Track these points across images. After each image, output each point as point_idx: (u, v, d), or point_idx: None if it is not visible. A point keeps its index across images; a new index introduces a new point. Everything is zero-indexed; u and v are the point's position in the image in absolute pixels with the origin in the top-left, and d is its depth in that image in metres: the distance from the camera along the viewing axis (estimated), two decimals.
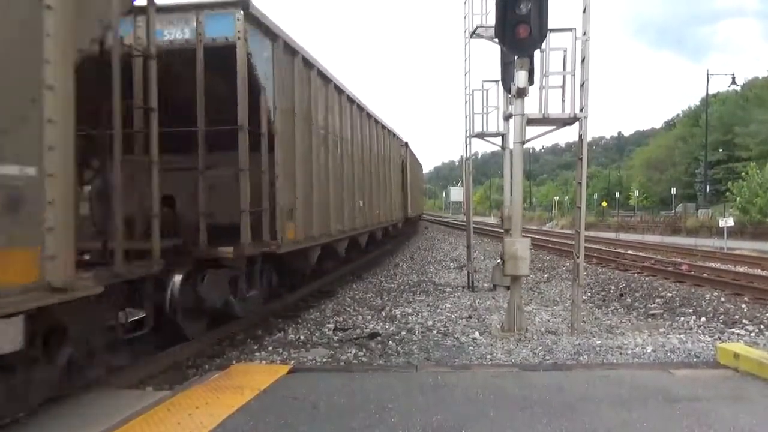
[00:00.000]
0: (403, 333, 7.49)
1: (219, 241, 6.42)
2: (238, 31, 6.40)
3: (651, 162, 74.10)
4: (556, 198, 73.05)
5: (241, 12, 6.43)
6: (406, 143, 22.10)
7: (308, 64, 8.62)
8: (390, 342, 6.99)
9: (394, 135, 18.13)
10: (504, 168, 10.83)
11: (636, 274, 13.63)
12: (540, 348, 6.50)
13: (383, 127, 15.99)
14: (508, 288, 8.38)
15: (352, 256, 13.34)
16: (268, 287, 8.09)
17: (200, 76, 6.45)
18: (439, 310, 9.07)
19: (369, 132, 13.58)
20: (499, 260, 10.12)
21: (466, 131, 11.34)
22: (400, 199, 18.97)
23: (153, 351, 5.89)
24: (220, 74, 6.49)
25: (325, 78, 9.59)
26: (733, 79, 42.95)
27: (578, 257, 7.42)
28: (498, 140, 10.90)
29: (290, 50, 7.84)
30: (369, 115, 13.64)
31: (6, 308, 3.25)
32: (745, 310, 9.12)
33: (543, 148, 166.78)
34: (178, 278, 5.96)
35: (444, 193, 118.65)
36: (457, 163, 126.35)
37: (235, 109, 6.43)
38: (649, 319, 8.67)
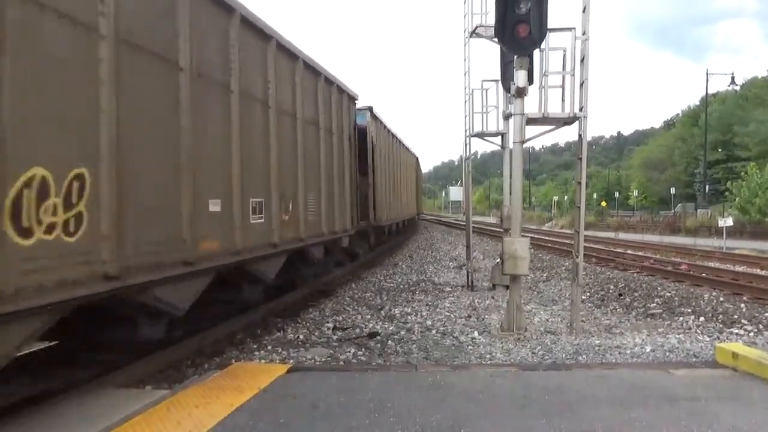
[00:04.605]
0: (403, 332, 7.49)
1: None
2: None
3: (650, 162, 74.30)
4: (556, 198, 73.27)
5: None
6: (370, 108, 13.99)
7: None
8: (389, 341, 6.99)
9: (335, 84, 10.10)
10: (503, 167, 10.83)
11: (635, 274, 13.63)
12: (539, 347, 6.50)
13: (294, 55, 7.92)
14: (507, 287, 8.39)
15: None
16: None
17: None
18: (438, 310, 9.07)
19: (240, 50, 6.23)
20: (498, 260, 10.13)
21: (465, 131, 11.35)
22: (348, 197, 11.15)
23: (152, 349, 5.87)
24: None
25: None
26: (733, 79, 43.40)
27: (577, 257, 7.43)
28: (498, 140, 10.90)
29: None
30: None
31: None
32: (743, 309, 9.13)
33: (543, 148, 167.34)
34: None
35: (444, 193, 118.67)
36: (456, 163, 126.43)
37: None
38: (648, 319, 8.68)
